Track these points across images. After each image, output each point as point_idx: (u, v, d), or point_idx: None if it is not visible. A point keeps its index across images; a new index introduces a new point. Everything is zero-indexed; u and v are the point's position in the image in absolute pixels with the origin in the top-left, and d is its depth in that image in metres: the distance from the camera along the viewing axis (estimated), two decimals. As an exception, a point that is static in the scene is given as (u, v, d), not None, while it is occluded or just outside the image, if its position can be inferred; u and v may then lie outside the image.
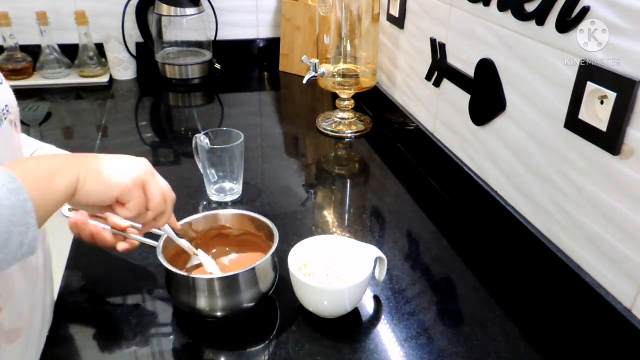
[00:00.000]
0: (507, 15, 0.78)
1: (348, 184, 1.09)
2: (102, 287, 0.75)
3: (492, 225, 0.88)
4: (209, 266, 0.71)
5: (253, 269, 0.65)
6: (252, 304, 0.67)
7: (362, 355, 0.65)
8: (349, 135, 1.25)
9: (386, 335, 0.69)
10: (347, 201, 1.02)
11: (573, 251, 0.71)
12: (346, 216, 0.96)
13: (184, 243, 0.70)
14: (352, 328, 0.69)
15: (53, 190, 0.50)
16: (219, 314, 0.66)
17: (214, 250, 0.76)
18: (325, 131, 1.26)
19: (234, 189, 0.96)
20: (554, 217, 0.73)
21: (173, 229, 0.69)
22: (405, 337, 0.68)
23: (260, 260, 0.65)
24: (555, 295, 0.73)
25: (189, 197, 0.95)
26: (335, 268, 0.74)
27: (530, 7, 0.73)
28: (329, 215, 0.95)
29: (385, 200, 1.03)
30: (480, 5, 0.85)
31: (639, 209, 0.60)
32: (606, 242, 0.64)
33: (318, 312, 0.69)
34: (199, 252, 0.71)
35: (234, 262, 0.76)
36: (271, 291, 0.70)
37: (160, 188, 0.60)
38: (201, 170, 0.94)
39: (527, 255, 0.79)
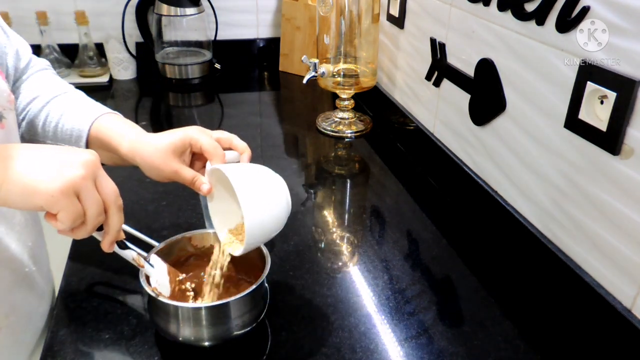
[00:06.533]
0: (507, 15, 0.78)
1: (348, 184, 1.09)
2: (102, 287, 0.75)
3: (492, 225, 0.88)
4: (154, 280, 0.63)
5: (245, 295, 0.60)
6: (243, 330, 0.63)
7: (362, 356, 0.65)
8: (349, 135, 1.25)
9: (386, 335, 0.69)
10: (347, 201, 1.02)
11: (573, 251, 0.71)
12: (346, 216, 0.96)
13: (128, 254, 0.61)
14: (351, 328, 0.69)
15: None
16: (205, 344, 0.63)
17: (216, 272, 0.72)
18: (325, 131, 1.26)
19: None
20: (554, 217, 0.73)
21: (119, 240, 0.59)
22: (405, 337, 0.68)
23: (250, 288, 0.61)
24: (555, 295, 0.73)
25: (189, 198, 0.95)
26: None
27: (530, 7, 0.73)
28: (329, 215, 0.95)
29: (385, 200, 1.03)
30: (480, 5, 0.85)
31: (639, 209, 0.60)
32: (606, 242, 0.64)
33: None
34: (146, 264, 0.63)
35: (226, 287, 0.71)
36: (262, 315, 0.66)
37: (97, 199, 0.49)
38: (203, 210, 0.81)
39: (527, 255, 0.79)
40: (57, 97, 0.72)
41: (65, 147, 0.50)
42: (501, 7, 0.80)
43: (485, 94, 0.87)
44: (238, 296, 0.60)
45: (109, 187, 0.51)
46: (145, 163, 0.65)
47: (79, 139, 0.69)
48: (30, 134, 0.71)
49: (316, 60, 1.20)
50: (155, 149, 0.64)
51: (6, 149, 0.47)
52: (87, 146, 0.69)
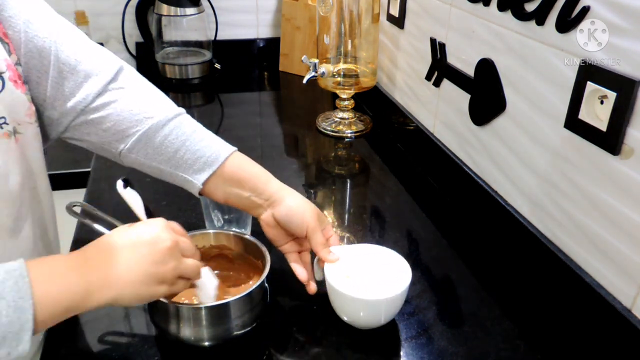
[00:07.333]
0: (507, 15, 0.78)
1: (348, 184, 1.09)
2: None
3: (492, 225, 0.88)
4: (204, 291, 0.62)
5: (246, 295, 0.61)
6: (242, 331, 0.64)
7: (362, 356, 0.65)
8: (349, 135, 1.25)
9: (386, 335, 0.68)
10: (347, 201, 1.02)
11: (573, 251, 0.71)
12: (346, 216, 0.96)
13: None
14: (351, 328, 0.69)
15: (70, 308, 0.49)
16: (205, 344, 0.63)
17: (216, 272, 0.72)
18: (325, 131, 1.26)
19: None
20: (554, 217, 0.73)
21: None
22: (405, 337, 0.68)
23: (250, 288, 0.62)
24: (555, 295, 0.73)
25: (189, 198, 0.95)
26: (372, 278, 0.71)
27: (530, 7, 0.73)
28: (329, 215, 0.95)
29: (385, 200, 1.03)
30: (480, 5, 0.85)
31: (639, 209, 0.60)
32: (606, 242, 0.64)
33: (353, 323, 0.68)
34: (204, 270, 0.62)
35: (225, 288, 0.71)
36: (262, 315, 0.67)
37: (188, 264, 0.57)
38: (203, 210, 0.83)
39: (527, 255, 0.79)
40: (176, 119, 0.70)
41: (148, 243, 0.55)
42: (501, 7, 0.80)
43: (485, 94, 0.87)
44: (238, 296, 0.61)
45: (191, 252, 0.58)
46: (294, 204, 0.69)
47: (206, 165, 0.68)
48: (138, 152, 0.69)
49: (316, 60, 1.20)
50: (306, 201, 0.70)
51: (109, 273, 0.52)
52: (212, 176, 0.69)
